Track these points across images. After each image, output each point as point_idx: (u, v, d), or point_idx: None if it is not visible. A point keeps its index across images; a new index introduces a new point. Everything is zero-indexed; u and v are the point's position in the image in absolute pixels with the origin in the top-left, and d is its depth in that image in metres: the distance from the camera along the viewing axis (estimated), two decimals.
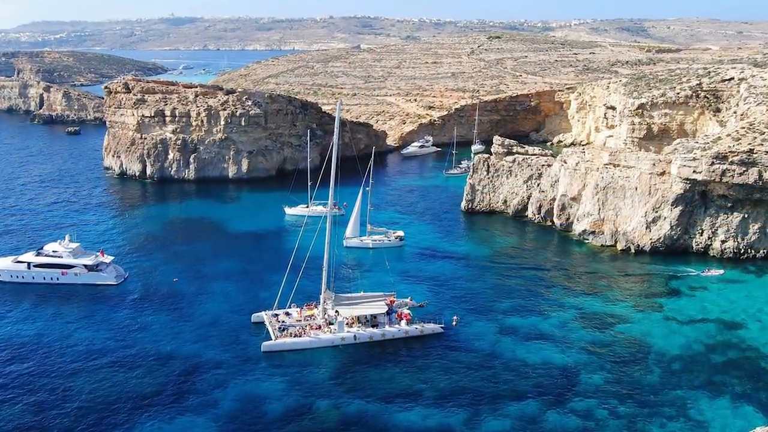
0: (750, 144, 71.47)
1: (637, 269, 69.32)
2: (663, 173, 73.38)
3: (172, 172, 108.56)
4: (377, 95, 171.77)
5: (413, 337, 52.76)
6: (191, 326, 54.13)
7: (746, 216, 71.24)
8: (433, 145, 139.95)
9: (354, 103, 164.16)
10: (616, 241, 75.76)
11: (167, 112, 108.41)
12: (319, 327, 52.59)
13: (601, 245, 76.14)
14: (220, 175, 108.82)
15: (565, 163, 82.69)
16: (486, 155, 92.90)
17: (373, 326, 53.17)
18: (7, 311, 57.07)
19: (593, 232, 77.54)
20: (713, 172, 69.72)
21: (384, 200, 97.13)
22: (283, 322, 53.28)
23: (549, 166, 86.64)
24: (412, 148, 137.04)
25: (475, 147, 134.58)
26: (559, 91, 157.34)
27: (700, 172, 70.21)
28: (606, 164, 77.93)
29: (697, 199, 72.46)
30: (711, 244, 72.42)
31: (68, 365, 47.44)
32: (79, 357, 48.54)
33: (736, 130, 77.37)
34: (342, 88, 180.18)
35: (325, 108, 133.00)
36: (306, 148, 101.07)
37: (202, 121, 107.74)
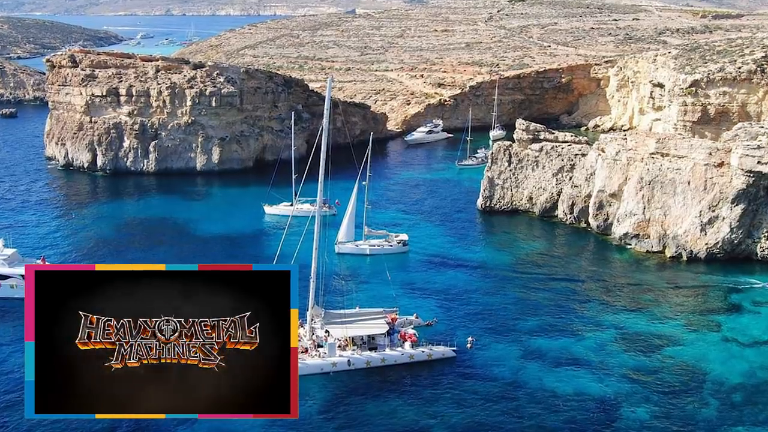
0: None
1: (689, 280, 69.41)
2: (721, 164, 73.46)
3: (128, 163, 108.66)
4: (376, 70, 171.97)
5: (419, 362, 52.76)
6: None
7: None
8: (443, 131, 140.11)
9: (348, 79, 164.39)
10: (664, 247, 75.88)
11: (122, 91, 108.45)
12: (306, 350, 52.60)
13: (647, 251, 76.25)
14: (185, 166, 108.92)
15: (603, 152, 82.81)
16: (507, 143, 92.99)
17: (371, 349, 53.17)
18: None
19: (637, 236, 77.65)
20: None
21: (384, 197, 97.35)
22: None
23: (583, 155, 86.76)
24: (418, 135, 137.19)
25: (495, 133, 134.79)
26: (596, 65, 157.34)
27: (765, 163, 70.27)
28: (652, 153, 78.04)
29: (762, 196, 72.52)
30: None
31: (1, 396, 47.44)
32: (16, 386, 48.37)
33: None
34: (333, 62, 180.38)
35: (312, 86, 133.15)
36: (290, 133, 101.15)
37: (164, 101, 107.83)
